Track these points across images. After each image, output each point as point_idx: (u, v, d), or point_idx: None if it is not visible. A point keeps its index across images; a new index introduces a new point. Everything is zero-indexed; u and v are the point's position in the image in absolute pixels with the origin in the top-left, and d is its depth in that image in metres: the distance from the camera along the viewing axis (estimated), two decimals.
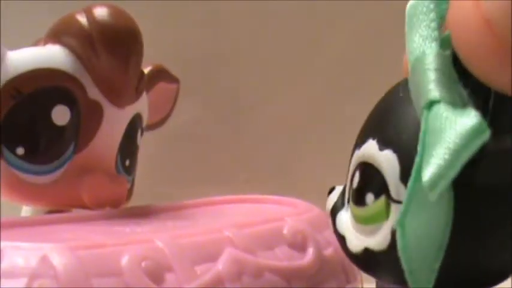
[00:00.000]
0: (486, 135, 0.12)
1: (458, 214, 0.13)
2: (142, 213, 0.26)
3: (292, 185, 0.38)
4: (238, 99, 0.44)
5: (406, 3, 0.15)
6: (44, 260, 0.18)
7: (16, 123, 0.26)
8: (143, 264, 0.19)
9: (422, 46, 0.14)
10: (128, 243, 0.19)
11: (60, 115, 0.26)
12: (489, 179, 0.14)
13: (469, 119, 0.12)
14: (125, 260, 0.19)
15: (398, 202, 0.14)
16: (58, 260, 0.18)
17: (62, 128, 0.27)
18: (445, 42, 0.13)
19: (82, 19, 0.26)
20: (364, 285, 0.24)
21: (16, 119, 0.26)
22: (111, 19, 0.26)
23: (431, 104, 0.13)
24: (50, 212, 0.28)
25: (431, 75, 0.13)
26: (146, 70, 0.30)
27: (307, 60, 0.43)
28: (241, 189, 0.30)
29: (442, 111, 0.12)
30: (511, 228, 0.14)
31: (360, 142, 0.16)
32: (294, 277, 0.21)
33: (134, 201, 0.30)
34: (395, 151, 0.14)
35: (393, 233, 0.14)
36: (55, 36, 0.27)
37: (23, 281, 0.18)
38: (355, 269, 0.24)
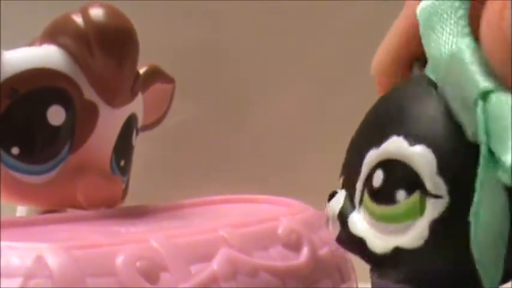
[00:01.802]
0: None
1: None
2: (138, 213, 0.26)
3: (288, 185, 0.38)
4: (235, 100, 0.44)
5: (399, 2, 0.15)
6: (39, 260, 0.18)
7: (11, 123, 0.26)
8: (138, 264, 0.19)
9: (453, 42, 0.14)
10: (123, 243, 0.19)
11: (56, 115, 0.26)
12: None
13: None
14: (119, 260, 0.19)
15: (436, 196, 0.14)
16: (53, 259, 0.18)
17: (57, 128, 0.27)
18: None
19: (78, 19, 0.26)
20: (359, 285, 0.24)
21: (11, 119, 0.26)
22: (107, 19, 0.26)
23: (486, 94, 0.13)
24: (45, 212, 0.28)
25: (475, 68, 0.13)
26: (142, 70, 0.30)
27: (305, 60, 0.43)
28: (236, 189, 0.30)
29: (503, 98, 0.12)
30: None
31: (376, 141, 0.16)
32: (289, 277, 0.21)
33: (129, 201, 0.30)
34: (428, 145, 0.14)
35: (432, 228, 0.14)
36: (51, 36, 0.27)
37: (18, 281, 0.18)
38: (349, 268, 0.24)
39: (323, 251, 0.23)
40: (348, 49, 0.41)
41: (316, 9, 0.42)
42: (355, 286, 0.24)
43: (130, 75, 0.28)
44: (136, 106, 0.30)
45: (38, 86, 0.26)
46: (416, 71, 0.17)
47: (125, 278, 0.18)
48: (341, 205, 0.17)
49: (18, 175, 0.26)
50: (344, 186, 0.17)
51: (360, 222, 0.16)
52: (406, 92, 0.16)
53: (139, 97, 0.30)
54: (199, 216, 0.27)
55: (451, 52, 0.14)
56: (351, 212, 0.17)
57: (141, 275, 0.19)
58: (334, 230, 0.17)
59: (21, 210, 0.29)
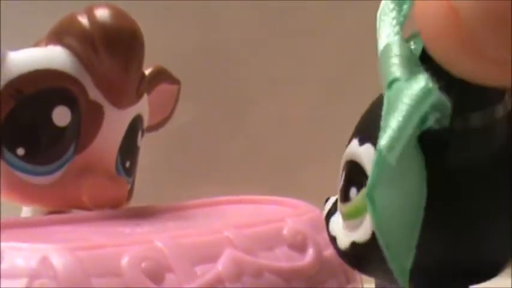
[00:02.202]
0: (434, 95, 0.12)
1: (433, 196, 0.13)
2: (142, 214, 0.26)
3: (293, 185, 0.38)
4: (238, 100, 0.44)
5: None
6: (44, 260, 0.18)
7: (17, 124, 0.26)
8: (143, 264, 0.19)
9: (386, 41, 0.14)
10: (128, 244, 0.19)
11: (61, 116, 0.26)
12: (460, 158, 0.14)
13: (417, 83, 0.12)
14: (125, 261, 0.19)
15: None
16: (58, 260, 0.18)
17: (62, 129, 0.27)
18: (413, 37, 0.14)
19: (83, 20, 0.26)
20: (364, 286, 0.24)
21: (17, 120, 0.26)
22: (113, 20, 0.26)
23: (392, 83, 0.13)
24: (50, 212, 0.28)
25: (394, 60, 0.13)
26: (147, 71, 0.30)
27: (307, 61, 0.43)
28: (241, 190, 0.30)
29: (399, 85, 0.13)
30: (486, 210, 0.14)
31: (347, 145, 0.17)
32: (294, 278, 0.21)
33: (134, 202, 0.30)
34: (373, 143, 0.15)
35: None
36: (56, 37, 0.27)
37: (23, 282, 0.18)
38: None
39: (328, 252, 0.23)
40: (350, 50, 0.41)
41: (319, 10, 0.42)
42: (360, 287, 0.24)
43: (136, 76, 0.28)
44: (142, 107, 0.30)
45: (43, 87, 0.26)
46: None
47: (130, 279, 0.18)
48: (328, 208, 0.18)
49: (23, 176, 0.26)
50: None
51: (336, 222, 0.17)
52: (374, 101, 0.16)
53: (145, 98, 0.30)
54: (204, 217, 0.27)
55: (381, 50, 0.14)
56: (334, 213, 0.18)
57: (146, 276, 0.19)
58: (328, 231, 0.18)
59: (26, 211, 0.29)
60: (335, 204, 0.18)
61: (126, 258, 0.19)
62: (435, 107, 0.12)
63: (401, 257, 0.13)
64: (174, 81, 0.33)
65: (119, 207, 0.27)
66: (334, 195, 0.18)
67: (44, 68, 0.26)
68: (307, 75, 0.43)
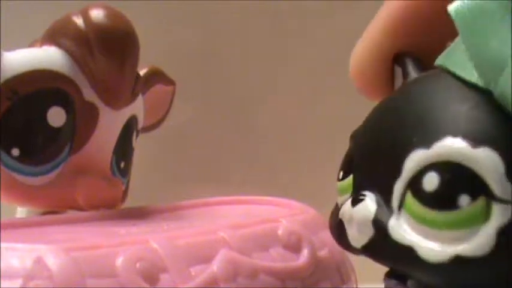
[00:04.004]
0: None
1: None
2: (137, 214, 0.26)
3: (288, 186, 0.38)
4: (235, 101, 0.44)
5: None
6: (39, 261, 0.18)
7: (11, 125, 0.26)
8: (138, 265, 0.19)
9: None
10: (122, 244, 0.19)
11: (56, 117, 0.26)
12: None
13: None
14: (119, 261, 0.19)
15: (505, 201, 0.13)
16: (53, 261, 0.18)
17: (57, 130, 0.27)
18: None
19: (78, 20, 0.26)
20: (359, 286, 0.24)
21: (11, 120, 0.26)
22: (108, 21, 0.26)
23: None
24: (45, 213, 0.28)
25: None
26: (142, 72, 0.30)
27: (306, 61, 0.43)
28: (236, 190, 0.30)
29: None
30: None
31: (421, 141, 0.15)
32: (289, 278, 0.21)
33: (129, 203, 0.30)
34: (493, 147, 0.14)
35: (499, 236, 0.13)
36: (51, 37, 0.27)
37: (18, 282, 0.18)
38: (349, 269, 0.24)
39: (323, 252, 0.23)
40: (349, 50, 0.41)
41: (316, 10, 0.42)
42: (355, 287, 0.24)
43: (131, 77, 0.28)
44: (137, 108, 0.30)
45: (38, 88, 0.26)
46: (410, 67, 0.17)
47: (124, 279, 0.18)
48: (374, 209, 0.16)
49: (18, 176, 0.26)
50: (367, 187, 0.16)
51: (404, 229, 0.15)
52: (448, 92, 0.15)
53: (140, 99, 0.30)
54: (199, 218, 0.27)
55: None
56: (389, 217, 0.15)
57: (141, 276, 0.19)
58: (362, 236, 0.16)
59: (21, 212, 0.29)
60: (384, 204, 0.16)
61: (121, 259, 0.19)
62: None
63: None
64: (169, 82, 0.33)
65: (113, 208, 0.27)
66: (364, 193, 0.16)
67: (39, 68, 0.26)
68: (305, 77, 0.43)
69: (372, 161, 0.16)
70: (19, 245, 0.19)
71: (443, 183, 0.14)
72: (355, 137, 0.17)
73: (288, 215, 0.24)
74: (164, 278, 0.19)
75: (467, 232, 0.14)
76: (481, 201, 0.14)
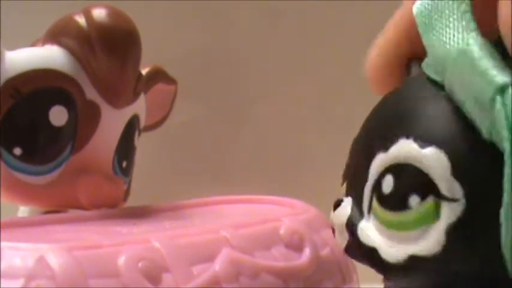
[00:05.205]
0: None
1: None
2: (140, 214, 0.26)
3: (290, 185, 0.38)
4: (237, 100, 0.44)
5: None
6: (41, 260, 0.18)
7: (14, 124, 0.26)
8: (140, 264, 0.19)
9: (459, 39, 0.13)
10: (124, 244, 0.19)
11: (58, 116, 0.26)
12: None
13: None
14: (121, 261, 0.19)
15: (452, 200, 0.13)
16: (55, 260, 0.18)
17: (59, 129, 0.27)
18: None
19: (80, 20, 0.26)
20: (361, 286, 0.24)
21: (14, 120, 0.26)
22: (110, 20, 0.26)
23: (503, 88, 0.12)
24: (47, 212, 0.28)
25: (487, 63, 0.13)
26: (144, 71, 0.30)
27: (309, 61, 0.43)
28: (238, 190, 0.30)
29: None
30: None
31: (383, 144, 0.15)
32: (291, 277, 0.21)
33: (131, 202, 0.30)
34: (440, 147, 0.14)
35: (449, 233, 0.13)
36: (53, 36, 0.27)
37: (20, 282, 0.18)
38: (351, 269, 0.24)
39: (325, 252, 0.23)
40: (352, 50, 0.41)
41: (319, 11, 0.42)
42: (356, 287, 0.24)
43: (133, 76, 0.28)
44: (139, 107, 0.30)
45: (40, 87, 0.26)
46: (417, 71, 0.17)
47: (127, 279, 0.18)
48: (348, 213, 0.16)
49: (20, 175, 0.26)
50: (349, 192, 0.17)
51: (370, 231, 0.15)
52: (412, 93, 0.15)
53: (142, 98, 0.30)
54: (201, 217, 0.27)
55: (458, 49, 0.13)
56: (359, 220, 0.16)
57: (143, 276, 0.19)
58: (342, 240, 0.16)
59: (23, 211, 0.29)
60: (357, 207, 0.16)
61: (123, 258, 0.19)
62: None
63: None
64: (171, 81, 0.33)
65: (115, 207, 0.27)
66: (342, 198, 0.17)
67: (41, 67, 0.26)
68: (308, 76, 0.43)
69: (352, 165, 0.17)
70: (21, 244, 0.19)
71: (396, 185, 0.14)
72: (352, 144, 0.18)
73: (290, 214, 0.24)
74: (166, 277, 0.19)
75: (420, 232, 0.14)
76: (430, 201, 0.14)
